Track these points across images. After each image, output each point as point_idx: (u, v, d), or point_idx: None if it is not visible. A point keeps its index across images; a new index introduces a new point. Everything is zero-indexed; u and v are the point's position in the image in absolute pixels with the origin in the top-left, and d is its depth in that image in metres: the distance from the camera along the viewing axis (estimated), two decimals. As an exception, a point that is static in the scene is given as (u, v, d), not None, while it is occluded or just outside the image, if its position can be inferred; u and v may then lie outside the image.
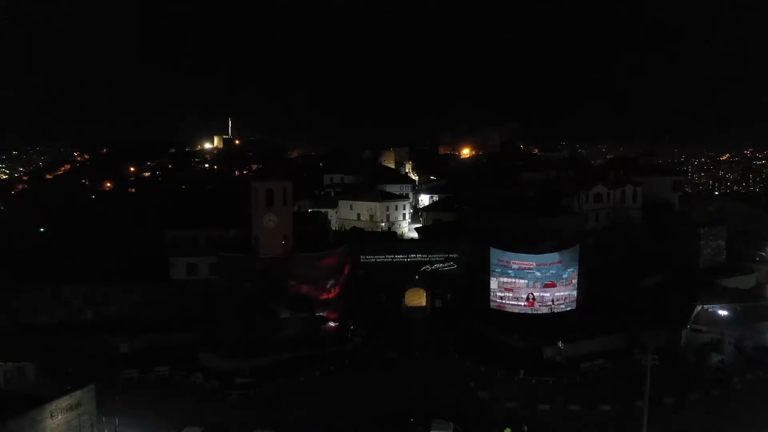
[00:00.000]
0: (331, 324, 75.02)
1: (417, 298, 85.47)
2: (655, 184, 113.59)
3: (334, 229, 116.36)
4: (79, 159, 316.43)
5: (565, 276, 78.15)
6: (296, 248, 74.77)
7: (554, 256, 77.56)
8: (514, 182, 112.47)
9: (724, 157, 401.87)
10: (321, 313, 75.35)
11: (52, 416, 47.92)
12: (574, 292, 79.19)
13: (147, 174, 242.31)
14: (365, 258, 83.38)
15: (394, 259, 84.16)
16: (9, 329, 74.91)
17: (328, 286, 76.09)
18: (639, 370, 65.59)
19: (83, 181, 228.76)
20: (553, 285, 77.79)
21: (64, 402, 49.17)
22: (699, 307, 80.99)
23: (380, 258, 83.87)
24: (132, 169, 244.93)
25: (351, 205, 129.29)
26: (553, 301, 78.14)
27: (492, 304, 79.93)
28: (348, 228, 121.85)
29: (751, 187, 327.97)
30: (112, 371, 66.81)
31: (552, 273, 77.56)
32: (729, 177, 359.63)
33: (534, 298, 77.86)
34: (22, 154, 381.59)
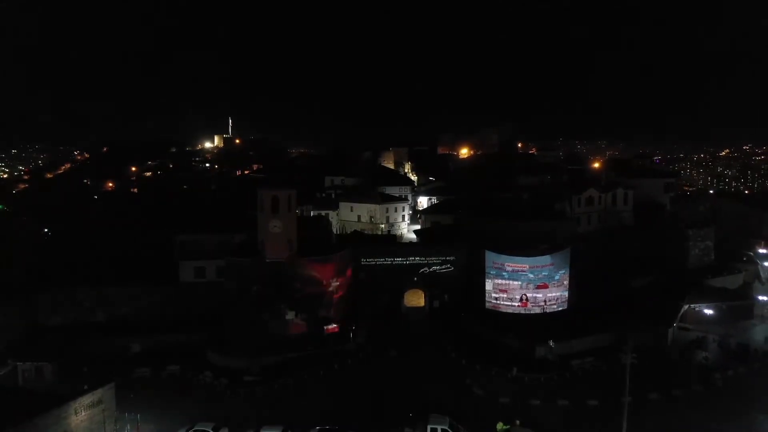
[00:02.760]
0: (334, 324, 78.20)
1: (416, 299, 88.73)
2: (647, 186, 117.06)
3: (335, 231, 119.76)
4: (79, 158, 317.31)
5: (556, 278, 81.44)
6: (300, 252, 78.07)
7: (546, 259, 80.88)
8: (510, 186, 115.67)
9: (723, 153, 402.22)
10: (324, 314, 78.66)
11: (76, 413, 51.44)
12: (566, 293, 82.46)
13: (148, 174, 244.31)
14: (366, 261, 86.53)
15: (394, 262, 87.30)
16: (25, 330, 77.93)
17: (331, 288, 79.42)
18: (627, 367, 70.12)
19: (85, 180, 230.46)
20: (546, 286, 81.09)
21: (86, 399, 52.71)
22: (686, 307, 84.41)
23: (380, 261, 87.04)
24: (133, 168, 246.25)
25: (351, 207, 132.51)
26: (545, 301, 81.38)
27: (487, 304, 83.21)
28: (348, 229, 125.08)
29: (749, 183, 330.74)
30: (125, 370, 68.68)
31: (544, 275, 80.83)
32: (727, 173, 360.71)
33: (527, 299, 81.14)
34: (21, 152, 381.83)
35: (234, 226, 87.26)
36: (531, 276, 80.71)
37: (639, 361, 67.61)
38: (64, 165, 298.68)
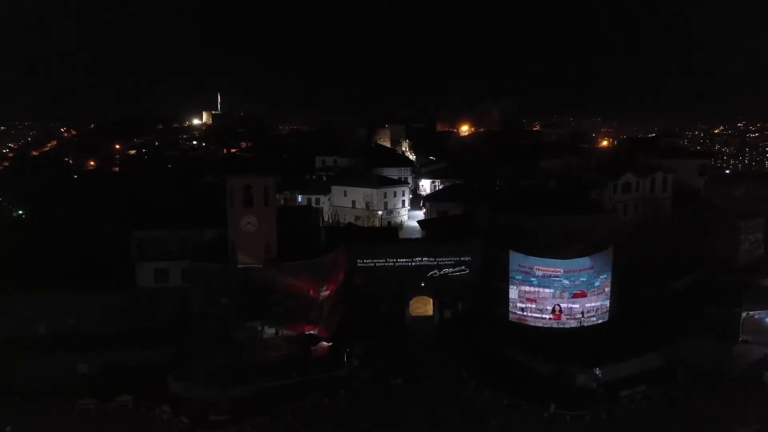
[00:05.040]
0: (324, 344, 64.46)
1: (423, 305, 74.83)
2: (681, 168, 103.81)
3: (326, 218, 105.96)
4: (66, 135, 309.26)
5: (597, 284, 67.39)
6: (281, 254, 63.84)
7: (585, 261, 66.69)
8: (531, 171, 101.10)
9: (717, 130, 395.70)
10: (311, 332, 64.92)
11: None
12: (607, 302, 68.59)
13: (133, 152, 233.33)
14: (363, 262, 72.36)
15: (397, 263, 73.20)
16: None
17: (320, 298, 65.39)
18: (688, 397, 57.79)
19: (66, 159, 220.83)
20: (584, 295, 67.04)
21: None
22: (744, 314, 71.10)
23: (380, 262, 72.87)
24: (117, 146, 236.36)
25: (345, 192, 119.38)
26: (582, 313, 67.46)
27: (511, 316, 69.28)
28: (342, 217, 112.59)
29: (746, 161, 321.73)
30: (67, 397, 58.45)
31: (582, 281, 66.77)
32: (725, 150, 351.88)
33: (561, 310, 67.17)
34: (10, 129, 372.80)
35: (205, 219, 72.66)
36: (566, 282, 66.66)
37: (700, 388, 58.67)
38: (51, 142, 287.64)
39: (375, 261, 72.90)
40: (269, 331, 62.94)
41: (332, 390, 59.19)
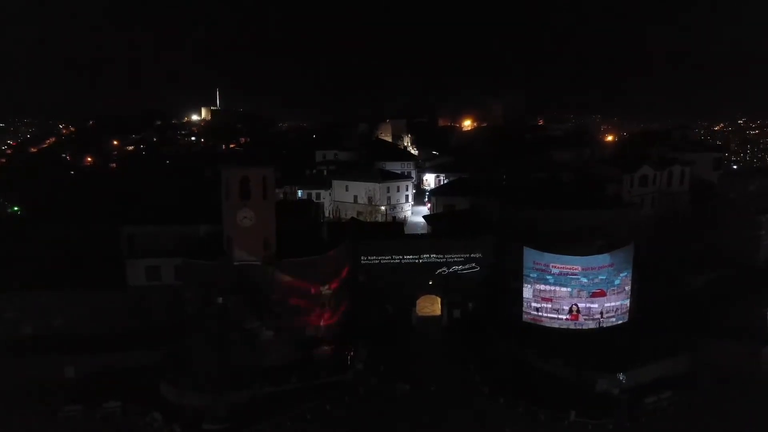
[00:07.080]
0: (326, 347, 60.78)
1: (430, 305, 71.11)
2: (695, 161, 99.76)
3: (327, 214, 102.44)
4: (65, 132, 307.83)
5: (617, 282, 63.48)
6: (281, 251, 60.01)
7: (604, 258, 62.73)
8: (542, 164, 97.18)
9: (717, 127, 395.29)
10: (313, 333, 61.28)
11: None
12: (627, 302, 64.69)
13: (131, 148, 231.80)
14: (367, 259, 68.61)
15: (403, 260, 69.48)
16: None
17: (322, 298, 61.51)
18: (716, 403, 53.97)
19: (64, 155, 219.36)
20: (603, 294, 63.13)
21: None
22: (769, 314, 67.32)
23: (385, 259, 69.13)
24: (115, 143, 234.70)
25: (347, 186, 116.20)
26: (601, 313, 63.53)
27: (525, 316, 65.42)
28: (343, 212, 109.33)
29: (747, 158, 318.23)
30: (52, 403, 55.64)
31: (602, 279, 62.87)
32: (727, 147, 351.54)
33: (579, 310, 63.26)
34: (9, 126, 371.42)
35: (200, 214, 69.44)
36: (584, 281, 62.72)
37: (729, 393, 55.01)
38: (49, 139, 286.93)
39: (380, 258, 69.25)
40: (268, 333, 59.18)
41: (335, 396, 55.76)
